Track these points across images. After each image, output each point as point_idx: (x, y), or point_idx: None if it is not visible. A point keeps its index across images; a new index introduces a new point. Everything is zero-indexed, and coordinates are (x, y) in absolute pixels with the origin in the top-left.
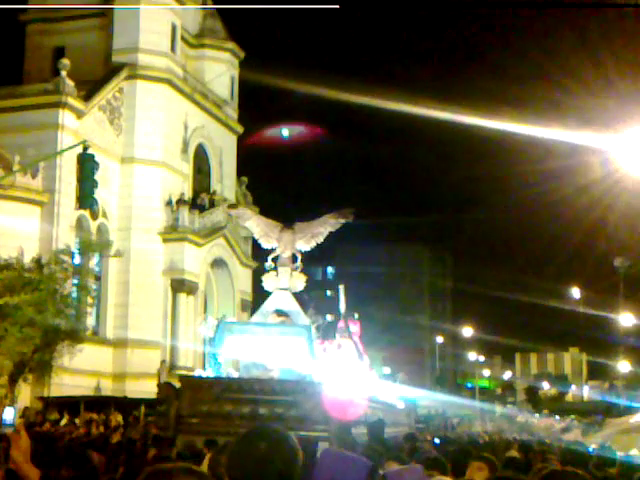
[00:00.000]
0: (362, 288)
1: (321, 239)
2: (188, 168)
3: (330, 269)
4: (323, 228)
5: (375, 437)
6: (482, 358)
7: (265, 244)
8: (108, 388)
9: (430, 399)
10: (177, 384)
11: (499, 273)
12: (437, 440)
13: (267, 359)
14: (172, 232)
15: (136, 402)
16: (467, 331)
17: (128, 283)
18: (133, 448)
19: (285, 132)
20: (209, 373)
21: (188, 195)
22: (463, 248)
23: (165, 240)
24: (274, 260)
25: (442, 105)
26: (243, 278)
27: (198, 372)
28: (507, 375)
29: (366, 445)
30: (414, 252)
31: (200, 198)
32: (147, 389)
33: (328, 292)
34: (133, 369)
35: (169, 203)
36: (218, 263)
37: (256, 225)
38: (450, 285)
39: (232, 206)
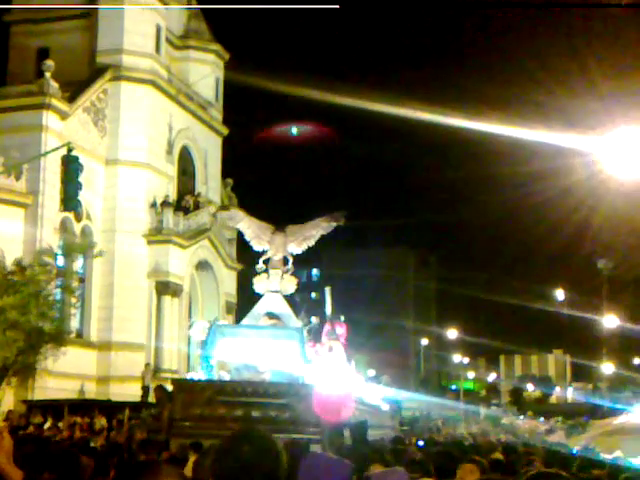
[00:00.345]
0: (347, 291)
1: (313, 242)
2: (173, 170)
3: (315, 271)
4: (315, 231)
5: (358, 439)
6: (466, 360)
7: (256, 246)
8: (92, 391)
9: (415, 401)
10: (169, 387)
11: (484, 275)
12: (421, 442)
13: (259, 362)
14: (157, 234)
15: (120, 405)
16: (452, 333)
17: (112, 285)
18: (120, 452)
19: (294, 130)
20: (201, 376)
21: (173, 197)
22: (448, 250)
23: (150, 242)
24: (265, 262)
25: (429, 107)
26: (228, 280)
27: (190, 375)
28: (491, 377)
29: (350, 447)
30: (399, 255)
31: (185, 200)
32: (131, 392)
33: (313, 294)
34: (117, 372)
35: (154, 205)
36: (203, 265)
37: (248, 227)
38: (435, 287)
39: (223, 208)
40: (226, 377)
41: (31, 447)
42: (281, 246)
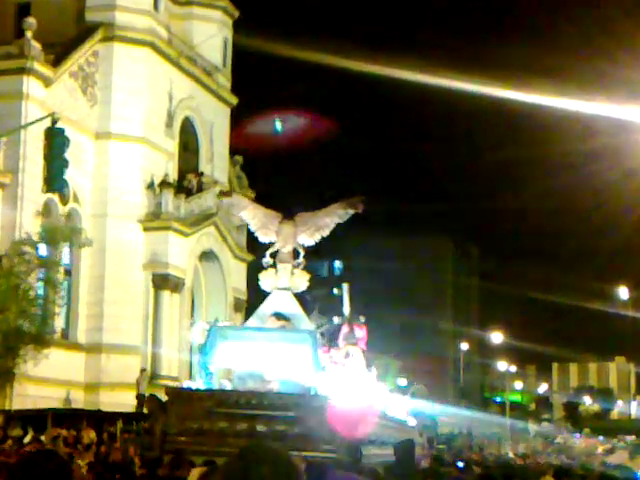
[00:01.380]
0: (374, 287)
1: (327, 232)
2: (173, 145)
3: (338, 264)
4: (329, 219)
5: (404, 459)
6: (513, 368)
7: (263, 237)
8: (79, 400)
9: (453, 415)
10: (163, 397)
11: (533, 270)
12: (461, 464)
13: (265, 369)
14: (154, 219)
15: (112, 416)
16: (496, 337)
17: (103, 278)
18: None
19: (278, 125)
20: (199, 385)
21: (173, 176)
22: (491, 240)
23: (146, 229)
24: (273, 256)
25: (468, 76)
26: (236, 274)
27: (187, 383)
28: (542, 388)
29: (395, 471)
30: (434, 245)
31: (187, 180)
32: (124, 401)
33: (335, 291)
34: (108, 378)
35: (151, 186)
36: (208, 256)
37: (252, 216)
38: (476, 283)
39: (225, 194)
40: (228, 386)
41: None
42: (290, 237)
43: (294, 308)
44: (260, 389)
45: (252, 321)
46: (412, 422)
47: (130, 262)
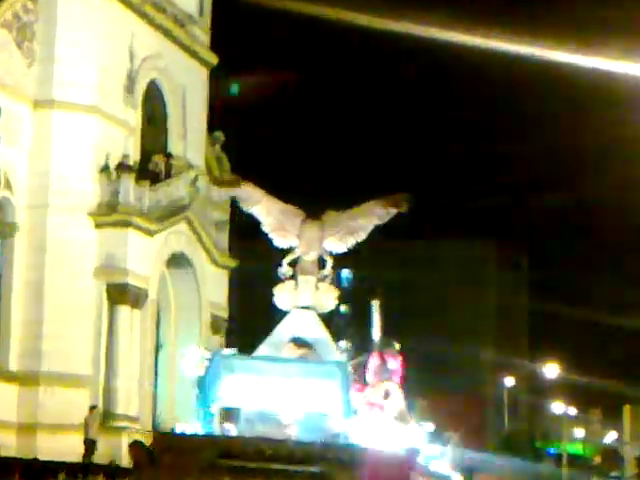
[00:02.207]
0: (393, 304)
1: (362, 236)
2: (134, 117)
3: (346, 273)
4: (366, 220)
5: None
6: (573, 411)
7: (280, 241)
8: (10, 446)
9: (495, 469)
10: (150, 444)
11: (599, 285)
12: None
13: (281, 410)
14: (109, 213)
15: (52, 467)
16: (551, 370)
17: (42, 289)
18: None
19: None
20: (197, 429)
21: (134, 158)
22: (547, 249)
23: (99, 225)
24: (292, 265)
25: (514, 36)
26: (215, 284)
27: (180, 427)
28: (610, 437)
29: None
30: (472, 252)
31: (152, 163)
32: (68, 448)
33: (342, 307)
34: (48, 418)
35: (105, 169)
36: (178, 261)
37: (267, 213)
38: (527, 302)
39: (227, 183)
40: (233, 431)
41: None
42: (315, 241)
43: (319, 332)
44: (275, 435)
45: (264, 348)
46: (457, 478)
47: (78, 268)
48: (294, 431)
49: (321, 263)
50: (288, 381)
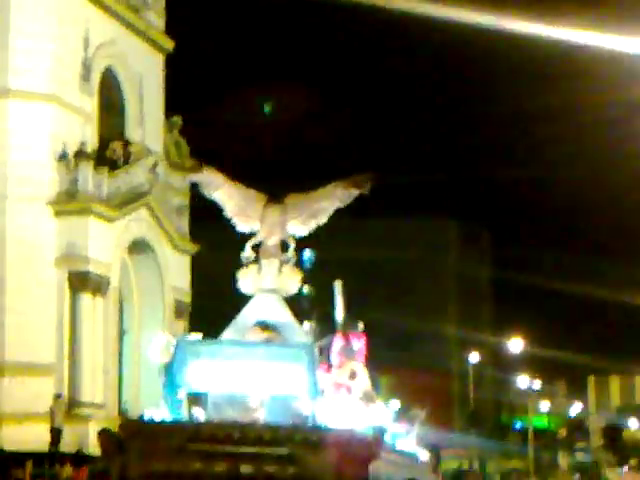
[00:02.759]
0: (355, 282)
1: (324, 219)
2: (91, 104)
3: (307, 253)
4: (327, 202)
5: None
6: (538, 384)
7: (242, 225)
8: None
9: (461, 446)
10: (119, 432)
11: (562, 258)
12: None
13: (249, 393)
14: (69, 201)
15: (19, 457)
16: (515, 344)
17: (3, 278)
18: None
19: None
20: (165, 415)
21: (92, 145)
22: (508, 222)
23: (58, 213)
24: (255, 249)
25: (477, 5)
26: (177, 269)
27: (148, 413)
28: (576, 409)
29: None
30: (434, 228)
31: (110, 149)
32: (34, 437)
33: (304, 288)
34: (12, 407)
35: (63, 157)
36: (139, 247)
37: (229, 197)
38: (488, 276)
39: (192, 168)
40: (201, 416)
41: None
42: (278, 225)
43: (283, 315)
44: (243, 419)
45: (229, 333)
46: (424, 456)
47: (38, 257)
48: (262, 414)
49: (284, 246)
50: (254, 364)
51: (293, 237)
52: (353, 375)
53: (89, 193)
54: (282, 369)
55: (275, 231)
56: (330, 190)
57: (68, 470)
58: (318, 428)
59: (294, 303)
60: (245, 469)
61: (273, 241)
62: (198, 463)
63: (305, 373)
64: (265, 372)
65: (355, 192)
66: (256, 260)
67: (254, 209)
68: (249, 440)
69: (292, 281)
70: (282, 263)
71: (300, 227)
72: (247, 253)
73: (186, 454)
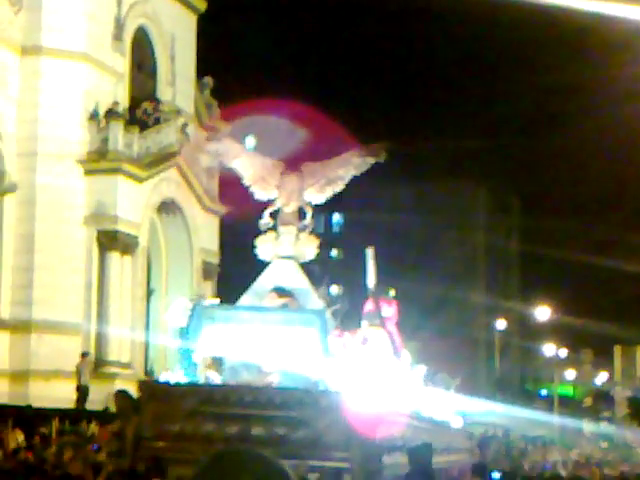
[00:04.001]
0: (383, 248)
1: (340, 186)
2: (123, 64)
3: (337, 218)
4: (343, 170)
5: (418, 468)
6: (564, 353)
7: (260, 193)
8: (3, 392)
9: (486, 413)
10: (135, 393)
11: (592, 227)
12: (497, 474)
13: (263, 358)
14: (99, 160)
15: (45, 414)
16: (542, 313)
17: (32, 237)
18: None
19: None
20: (180, 378)
21: (123, 104)
22: (539, 190)
23: (88, 172)
24: (273, 216)
25: None
26: (206, 231)
27: (165, 376)
28: (601, 378)
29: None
30: (462, 195)
31: (141, 109)
32: (61, 394)
33: (334, 252)
34: (40, 365)
35: (94, 116)
36: (168, 207)
37: (247, 166)
38: (517, 245)
39: (210, 136)
40: (216, 380)
41: None
42: (295, 193)
43: (299, 282)
44: (256, 383)
45: (246, 298)
46: (457, 423)
47: (68, 215)
48: (275, 378)
49: (301, 214)
50: (267, 329)
51: (310, 204)
52: (364, 341)
53: (119, 152)
54: (294, 333)
55: (292, 198)
56: (346, 158)
57: (94, 428)
58: (328, 392)
59: (310, 269)
60: (256, 431)
61: (290, 208)
62: (210, 425)
63: (317, 337)
64: (277, 337)
65: (371, 160)
66: (274, 227)
67: (272, 177)
68: (261, 403)
69: (309, 248)
70: (299, 230)
71: (317, 195)
72: (265, 220)
73: (199, 416)
